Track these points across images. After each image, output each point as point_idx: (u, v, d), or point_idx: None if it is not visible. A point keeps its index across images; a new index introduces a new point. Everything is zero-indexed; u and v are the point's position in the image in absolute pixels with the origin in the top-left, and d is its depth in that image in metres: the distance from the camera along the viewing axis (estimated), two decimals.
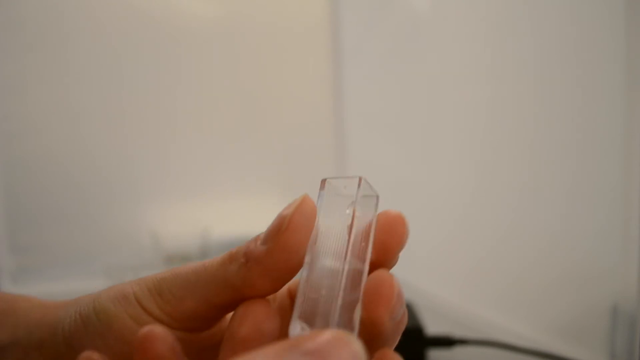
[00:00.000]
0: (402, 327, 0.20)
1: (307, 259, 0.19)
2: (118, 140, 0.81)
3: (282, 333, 0.19)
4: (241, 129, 0.88)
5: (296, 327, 0.17)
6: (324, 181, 0.20)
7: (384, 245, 0.20)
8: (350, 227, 0.19)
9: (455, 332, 0.48)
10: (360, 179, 0.19)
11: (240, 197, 0.86)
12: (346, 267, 0.18)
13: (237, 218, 0.83)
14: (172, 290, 0.20)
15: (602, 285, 0.45)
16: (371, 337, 0.18)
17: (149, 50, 0.81)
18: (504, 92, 0.57)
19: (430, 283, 0.67)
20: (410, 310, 0.50)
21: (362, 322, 0.18)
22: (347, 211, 0.19)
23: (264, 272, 0.19)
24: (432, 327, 0.49)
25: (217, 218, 0.83)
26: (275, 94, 0.90)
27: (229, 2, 0.87)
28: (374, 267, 0.19)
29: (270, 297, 0.22)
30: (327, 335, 0.14)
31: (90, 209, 0.79)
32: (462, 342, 0.46)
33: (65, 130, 0.78)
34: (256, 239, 0.19)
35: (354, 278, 0.18)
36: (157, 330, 0.18)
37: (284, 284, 0.20)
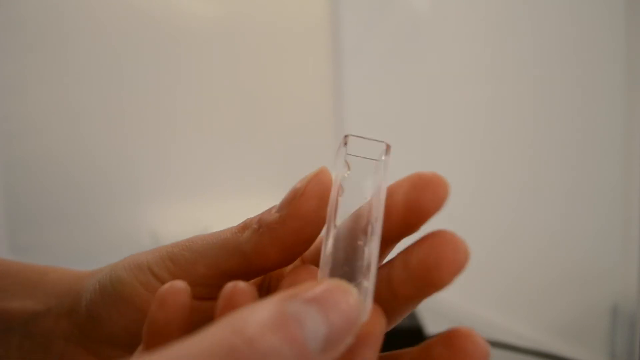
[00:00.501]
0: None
1: (329, 217, 0.18)
2: (118, 140, 0.81)
3: None
4: (241, 129, 0.88)
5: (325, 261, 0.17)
6: (346, 137, 0.19)
7: (419, 206, 0.18)
8: (372, 201, 0.18)
9: None
10: (388, 146, 0.19)
11: (240, 197, 0.86)
12: (371, 240, 0.17)
13: (237, 218, 0.83)
14: (185, 255, 0.20)
15: (602, 285, 0.45)
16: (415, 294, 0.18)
17: (149, 50, 0.81)
18: (504, 92, 0.57)
19: None
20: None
21: (419, 281, 0.17)
22: (369, 182, 0.19)
23: (275, 240, 0.18)
24: (432, 327, 0.49)
25: (217, 218, 0.83)
26: (275, 94, 0.90)
27: (229, 2, 0.87)
28: (403, 227, 0.18)
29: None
30: (326, 284, 0.14)
31: (90, 209, 0.79)
32: None
33: (65, 130, 0.78)
34: (272, 208, 0.19)
35: (373, 248, 0.17)
36: (179, 284, 0.18)
37: (294, 257, 0.19)
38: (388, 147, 0.19)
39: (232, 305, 0.17)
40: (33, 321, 0.23)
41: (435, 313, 0.57)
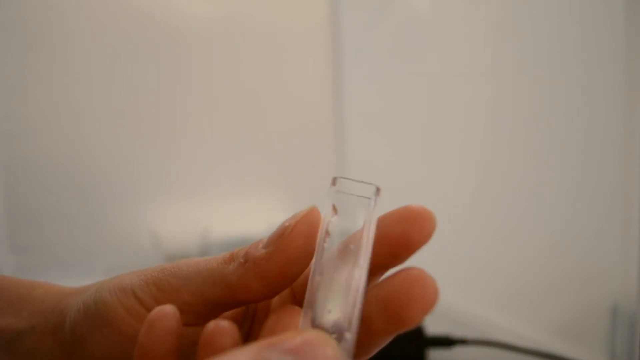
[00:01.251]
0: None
1: (314, 261, 0.19)
2: (118, 140, 0.81)
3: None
4: (241, 129, 0.88)
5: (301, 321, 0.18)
6: (335, 179, 0.20)
7: (407, 239, 0.19)
8: (363, 233, 0.18)
9: (455, 332, 0.48)
10: (378, 189, 0.19)
11: (240, 197, 0.86)
12: (357, 272, 0.18)
13: (237, 218, 0.83)
14: (170, 281, 0.20)
15: (602, 285, 0.45)
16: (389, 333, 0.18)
17: (149, 50, 0.81)
18: (504, 92, 0.57)
19: None
20: None
21: (390, 318, 0.18)
22: (362, 218, 0.19)
23: (259, 275, 0.19)
24: (432, 327, 0.49)
25: (217, 218, 0.83)
26: (275, 94, 0.90)
27: (229, 2, 0.87)
28: (390, 258, 0.19)
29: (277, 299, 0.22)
30: (305, 335, 0.14)
31: (90, 209, 0.79)
32: (462, 342, 0.46)
33: (65, 130, 0.78)
34: (259, 242, 0.19)
35: (361, 279, 0.18)
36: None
37: (278, 291, 0.20)
38: (378, 189, 0.19)
39: (214, 345, 0.18)
40: (17, 339, 0.23)
41: (435, 313, 0.57)
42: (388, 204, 0.21)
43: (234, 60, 0.87)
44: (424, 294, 0.18)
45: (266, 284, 0.19)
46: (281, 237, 0.18)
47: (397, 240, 0.19)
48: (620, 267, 0.43)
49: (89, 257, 0.78)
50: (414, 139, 0.73)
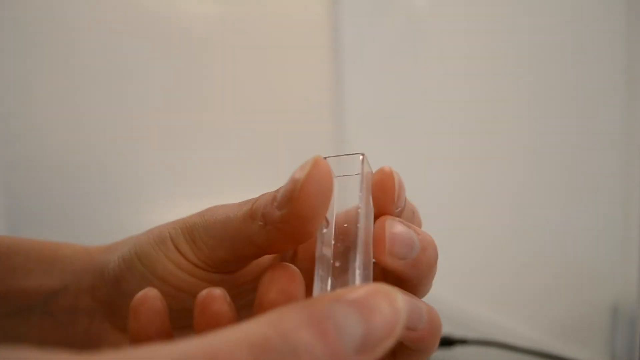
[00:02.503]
0: (426, 272, 0.21)
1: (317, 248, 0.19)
2: (119, 140, 0.81)
3: (308, 293, 0.20)
4: (241, 128, 0.88)
5: (318, 285, 0.18)
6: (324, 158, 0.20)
7: (379, 201, 0.20)
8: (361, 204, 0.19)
9: (455, 332, 0.48)
10: (363, 156, 0.20)
11: (240, 197, 0.86)
12: (360, 233, 0.19)
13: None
14: (204, 239, 0.21)
15: (602, 285, 0.45)
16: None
17: (149, 49, 0.81)
18: (504, 91, 0.57)
19: None
20: None
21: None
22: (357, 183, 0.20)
23: (282, 235, 0.19)
24: None
25: None
26: (275, 93, 0.90)
27: (229, 2, 0.87)
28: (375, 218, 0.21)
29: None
30: (370, 287, 0.14)
31: (91, 209, 0.79)
32: (462, 342, 0.46)
33: (65, 130, 0.78)
34: (273, 198, 0.19)
35: (367, 240, 0.19)
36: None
37: (304, 242, 0.20)
38: (364, 156, 0.20)
39: (208, 311, 0.19)
40: (52, 299, 0.23)
41: None
42: None
43: (234, 59, 0.87)
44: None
45: (290, 240, 0.19)
46: (292, 199, 0.18)
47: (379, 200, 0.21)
48: (620, 267, 0.43)
49: None
50: (413, 138, 0.73)
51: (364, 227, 0.19)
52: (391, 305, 0.14)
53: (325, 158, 0.20)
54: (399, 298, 0.14)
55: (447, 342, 0.46)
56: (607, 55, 0.45)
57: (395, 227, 0.20)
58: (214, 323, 0.19)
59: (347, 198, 0.20)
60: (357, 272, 0.18)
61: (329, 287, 0.18)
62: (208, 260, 0.21)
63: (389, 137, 0.80)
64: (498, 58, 0.58)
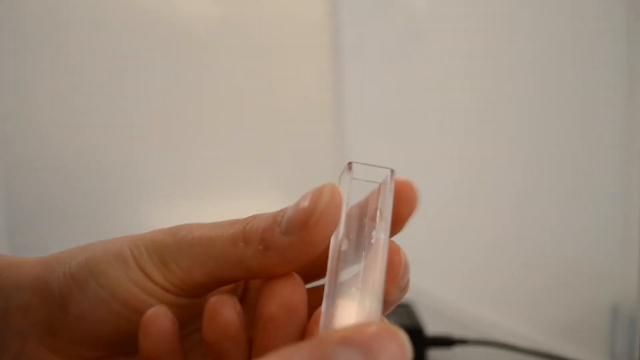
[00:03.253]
0: (405, 294, 0.20)
1: (334, 240, 0.18)
2: (119, 140, 0.81)
3: (310, 305, 0.19)
4: (241, 129, 0.88)
5: (325, 310, 0.17)
6: (350, 164, 0.20)
7: (394, 212, 0.19)
8: (377, 210, 0.19)
9: (455, 332, 0.48)
10: (392, 171, 0.19)
11: (240, 197, 0.86)
12: (380, 251, 0.18)
13: (238, 217, 0.83)
14: (177, 261, 0.19)
15: (602, 285, 0.45)
16: None
17: (149, 49, 0.81)
18: (504, 91, 0.57)
19: (430, 283, 0.67)
20: (410, 310, 0.50)
21: None
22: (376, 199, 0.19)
23: (284, 261, 0.18)
24: (432, 327, 0.49)
25: (217, 218, 0.83)
26: (275, 93, 0.90)
27: (229, 2, 0.87)
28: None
29: None
30: (374, 328, 0.14)
31: (91, 209, 0.79)
32: (462, 342, 0.46)
33: (65, 130, 0.78)
34: (274, 222, 0.18)
35: (383, 257, 0.18)
36: (160, 310, 0.19)
37: (303, 265, 0.19)
38: (393, 172, 0.19)
39: (217, 319, 0.18)
40: None
41: (435, 313, 0.57)
42: None
43: (234, 59, 0.87)
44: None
45: (290, 267, 0.19)
46: (306, 227, 0.17)
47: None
48: (620, 267, 0.43)
49: None
50: (414, 139, 0.73)
51: (383, 257, 0.18)
52: (398, 346, 0.14)
53: (350, 163, 0.19)
54: (406, 340, 0.14)
55: (447, 342, 0.46)
56: (608, 55, 0.45)
57: (405, 256, 0.19)
58: (223, 331, 0.18)
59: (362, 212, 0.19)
60: (372, 306, 0.17)
61: (336, 315, 0.17)
62: (180, 283, 0.19)
63: (389, 137, 0.80)
64: (498, 58, 0.58)
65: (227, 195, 0.86)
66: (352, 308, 0.17)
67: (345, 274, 0.18)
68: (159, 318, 0.18)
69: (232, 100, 0.88)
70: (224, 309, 0.18)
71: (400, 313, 0.49)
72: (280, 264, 0.18)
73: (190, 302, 0.21)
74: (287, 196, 0.91)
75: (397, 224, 0.20)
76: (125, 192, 0.81)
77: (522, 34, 0.54)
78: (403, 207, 0.20)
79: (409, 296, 0.60)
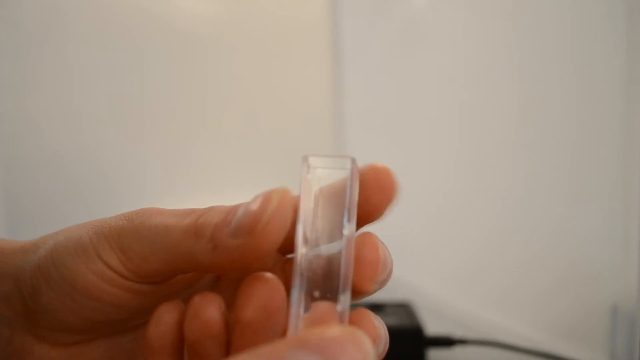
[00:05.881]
0: (384, 286, 0.20)
1: (298, 232, 0.18)
2: (119, 141, 0.81)
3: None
4: (241, 129, 0.88)
5: (295, 301, 0.17)
6: (306, 157, 0.19)
7: (371, 202, 0.19)
8: (346, 202, 0.18)
9: (455, 332, 0.48)
10: (353, 160, 0.18)
11: (240, 197, 0.86)
12: (343, 241, 0.18)
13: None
14: (135, 249, 0.19)
15: (602, 285, 0.45)
16: (353, 296, 0.18)
17: (149, 49, 0.81)
18: (504, 91, 0.57)
19: (430, 283, 0.67)
20: (410, 310, 0.50)
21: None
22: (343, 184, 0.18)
23: (233, 262, 0.18)
24: (432, 327, 0.49)
25: None
26: (275, 94, 0.90)
27: (229, 2, 0.87)
28: (359, 224, 0.19)
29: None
30: (335, 331, 0.14)
31: (91, 209, 0.79)
32: (462, 342, 0.46)
33: (65, 130, 0.78)
34: (224, 221, 0.18)
35: (348, 249, 0.18)
36: (175, 302, 0.19)
37: (250, 268, 0.19)
38: (353, 160, 0.18)
39: (201, 316, 0.18)
40: None
41: (435, 313, 0.57)
42: None
43: (234, 59, 0.87)
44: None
45: (238, 267, 0.18)
46: (253, 231, 0.17)
47: (366, 202, 0.19)
48: (620, 267, 0.43)
49: None
50: (413, 139, 0.73)
51: (349, 251, 0.17)
52: (359, 351, 0.13)
53: (308, 156, 0.19)
54: (368, 343, 0.14)
55: (447, 342, 0.46)
56: (607, 55, 0.45)
57: (383, 252, 0.19)
58: (205, 330, 0.18)
59: (330, 203, 0.18)
60: (339, 304, 0.17)
61: (301, 316, 0.17)
62: (138, 270, 0.19)
63: (389, 137, 0.80)
64: (498, 58, 0.58)
65: (227, 195, 0.86)
66: (318, 307, 0.17)
67: (312, 271, 0.18)
68: (174, 309, 0.19)
69: (232, 100, 0.88)
70: (207, 308, 0.18)
71: (400, 313, 0.49)
72: (230, 264, 0.18)
73: (153, 288, 0.20)
74: None
75: (373, 213, 0.19)
76: (125, 192, 0.81)
77: (522, 35, 0.54)
78: (379, 196, 0.19)
79: (409, 296, 0.60)
